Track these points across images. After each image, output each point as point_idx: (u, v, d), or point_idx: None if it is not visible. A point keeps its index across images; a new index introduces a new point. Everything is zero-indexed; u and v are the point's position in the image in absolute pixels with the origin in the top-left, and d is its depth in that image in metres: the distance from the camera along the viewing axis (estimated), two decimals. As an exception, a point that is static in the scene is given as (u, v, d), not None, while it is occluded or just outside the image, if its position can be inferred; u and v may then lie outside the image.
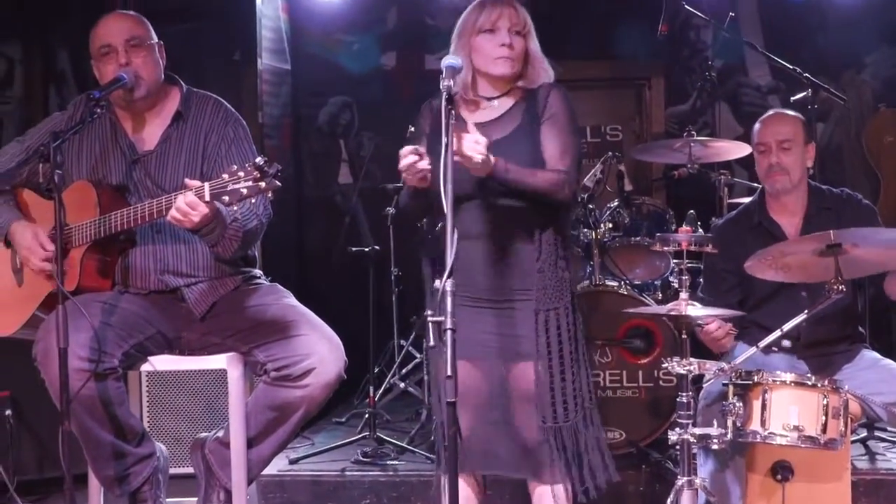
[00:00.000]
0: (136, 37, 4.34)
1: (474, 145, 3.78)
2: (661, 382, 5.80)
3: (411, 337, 7.35)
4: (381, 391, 7.05)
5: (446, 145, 3.53)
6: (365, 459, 5.92)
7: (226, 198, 3.76)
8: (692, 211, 6.11)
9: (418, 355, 7.26)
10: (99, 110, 4.08)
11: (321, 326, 4.27)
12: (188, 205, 3.86)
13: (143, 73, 4.32)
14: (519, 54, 4.16)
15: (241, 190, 3.73)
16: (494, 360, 4.15)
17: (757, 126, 4.89)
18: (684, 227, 4.26)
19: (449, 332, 3.30)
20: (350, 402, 7.25)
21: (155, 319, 4.31)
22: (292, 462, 5.88)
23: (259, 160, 3.73)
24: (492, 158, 3.85)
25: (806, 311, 4.15)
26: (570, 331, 4.13)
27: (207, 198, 3.80)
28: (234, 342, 4.29)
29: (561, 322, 4.10)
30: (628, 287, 6.04)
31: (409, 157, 3.86)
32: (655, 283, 6.39)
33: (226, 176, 3.77)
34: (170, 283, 4.32)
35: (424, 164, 3.86)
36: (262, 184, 3.71)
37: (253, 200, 3.82)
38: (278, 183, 3.75)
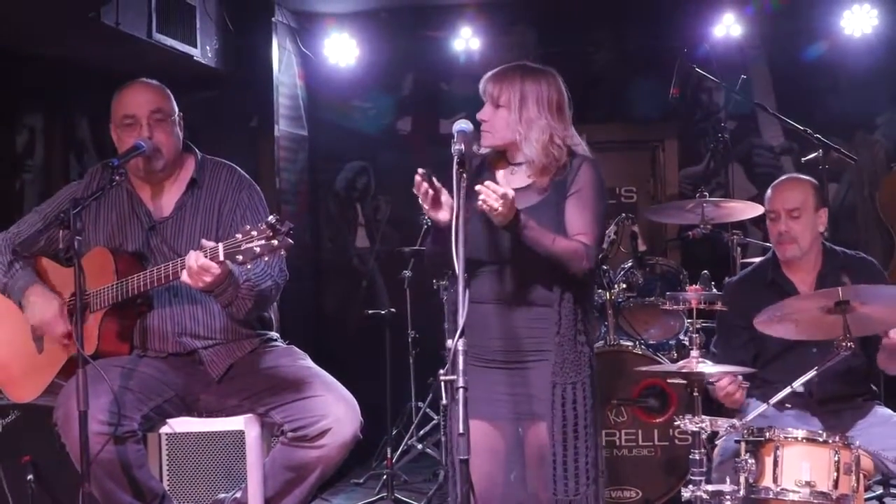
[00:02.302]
0: (160, 110, 4.42)
1: (495, 195, 3.81)
2: (676, 441, 5.83)
3: (428, 399, 7.38)
4: (398, 453, 7.08)
5: (457, 209, 3.59)
6: (382, 520, 5.96)
7: (239, 257, 3.82)
8: (706, 271, 6.14)
9: (436, 417, 7.31)
10: (117, 178, 4.16)
11: (337, 387, 4.32)
12: (200, 266, 3.92)
13: (164, 146, 4.40)
14: (497, 126, 4.18)
15: (255, 249, 3.79)
16: (509, 420, 4.17)
17: (768, 193, 4.91)
18: (694, 286, 4.28)
19: (461, 391, 3.34)
20: (368, 464, 7.27)
21: (173, 382, 4.36)
22: (311, 524, 5.91)
23: (271, 219, 3.79)
24: (514, 210, 3.88)
25: (816, 368, 4.17)
26: (586, 405, 4.09)
27: (221, 257, 3.86)
28: (251, 404, 4.33)
29: (577, 396, 4.07)
30: (643, 347, 6.08)
31: (417, 178, 3.93)
32: (670, 342, 6.41)
33: (239, 236, 3.83)
34: (187, 345, 4.38)
35: (426, 186, 3.92)
36: (275, 242, 3.77)
37: (266, 259, 3.86)
38: (291, 241, 3.81)
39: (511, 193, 3.84)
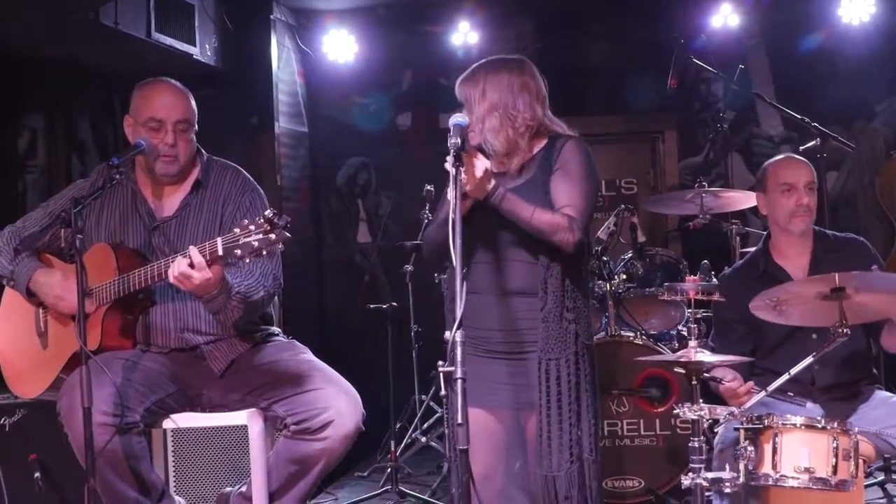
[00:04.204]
0: (187, 120, 4.47)
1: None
2: (678, 430, 5.84)
3: (432, 391, 7.40)
4: (402, 446, 7.11)
5: (454, 199, 3.62)
6: (387, 513, 6.02)
7: (238, 251, 3.83)
8: (706, 261, 6.16)
9: (439, 409, 7.32)
10: (118, 176, 4.19)
11: (338, 380, 4.36)
12: (194, 262, 3.94)
13: (183, 155, 4.46)
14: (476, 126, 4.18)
15: (253, 243, 3.81)
16: (509, 409, 4.20)
17: (773, 168, 4.88)
18: (691, 277, 4.31)
19: (459, 381, 3.36)
20: (373, 458, 7.31)
21: (176, 377, 4.40)
22: (316, 518, 5.97)
23: (268, 213, 3.81)
24: (489, 174, 3.95)
25: (813, 355, 4.18)
26: (571, 381, 4.12)
27: (220, 252, 3.88)
28: (253, 398, 4.37)
29: (562, 372, 4.10)
30: (644, 337, 6.09)
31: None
32: (671, 332, 6.43)
33: (237, 230, 3.86)
34: (189, 340, 4.42)
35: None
36: (273, 236, 3.79)
37: (265, 253, 3.85)
38: (288, 235, 3.83)
39: (484, 165, 3.92)
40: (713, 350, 4.73)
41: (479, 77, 4.21)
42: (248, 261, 3.88)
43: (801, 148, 6.75)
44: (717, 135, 7.82)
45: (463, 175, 3.79)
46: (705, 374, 4.20)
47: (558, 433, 4.10)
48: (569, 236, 4.04)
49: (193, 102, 4.56)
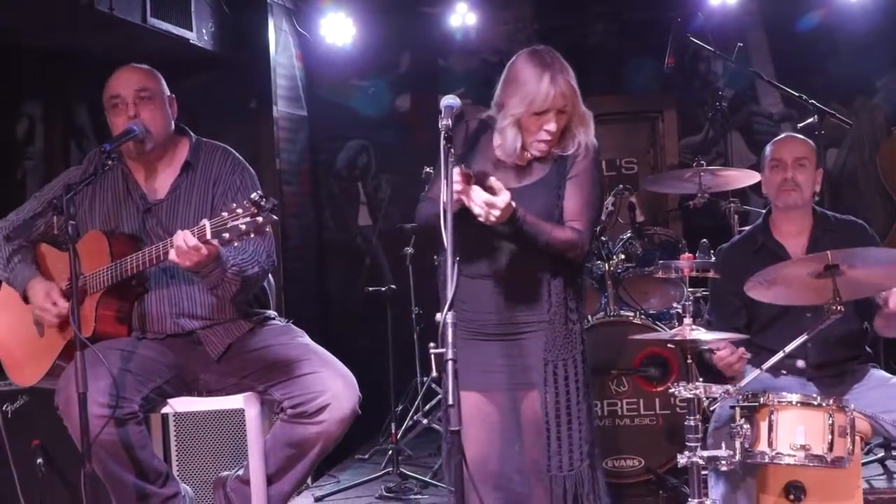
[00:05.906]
0: (146, 88, 4.44)
1: (485, 205, 3.81)
2: (677, 409, 5.82)
3: (432, 373, 7.38)
4: (403, 428, 7.12)
5: (446, 182, 3.61)
6: (389, 495, 6.07)
7: (226, 234, 3.84)
8: (705, 239, 6.15)
9: (440, 391, 7.32)
10: (110, 162, 4.18)
11: (334, 363, 4.36)
12: (191, 247, 3.95)
13: (151, 126, 4.41)
14: (561, 128, 4.13)
15: (241, 226, 3.82)
16: (504, 390, 4.21)
17: (769, 147, 4.93)
18: (686, 254, 4.31)
19: (450, 363, 3.37)
20: (374, 440, 7.33)
21: (173, 363, 4.40)
22: (318, 500, 6.01)
23: (255, 196, 3.82)
24: (511, 206, 3.86)
25: (807, 333, 4.19)
26: (578, 380, 4.15)
27: (209, 236, 3.90)
28: (250, 382, 4.38)
29: (569, 372, 4.13)
30: (643, 317, 6.09)
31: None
32: (670, 312, 6.42)
33: (225, 214, 3.87)
34: (185, 326, 4.42)
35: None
36: (260, 219, 3.80)
37: (253, 235, 3.87)
38: (275, 217, 3.85)
39: (505, 199, 3.83)
40: (709, 323, 4.74)
41: (569, 78, 4.14)
42: (236, 244, 3.88)
43: (799, 125, 6.75)
44: (716, 113, 7.80)
45: (491, 218, 3.81)
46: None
47: (567, 433, 4.12)
48: (579, 253, 4.10)
49: (158, 77, 4.54)
